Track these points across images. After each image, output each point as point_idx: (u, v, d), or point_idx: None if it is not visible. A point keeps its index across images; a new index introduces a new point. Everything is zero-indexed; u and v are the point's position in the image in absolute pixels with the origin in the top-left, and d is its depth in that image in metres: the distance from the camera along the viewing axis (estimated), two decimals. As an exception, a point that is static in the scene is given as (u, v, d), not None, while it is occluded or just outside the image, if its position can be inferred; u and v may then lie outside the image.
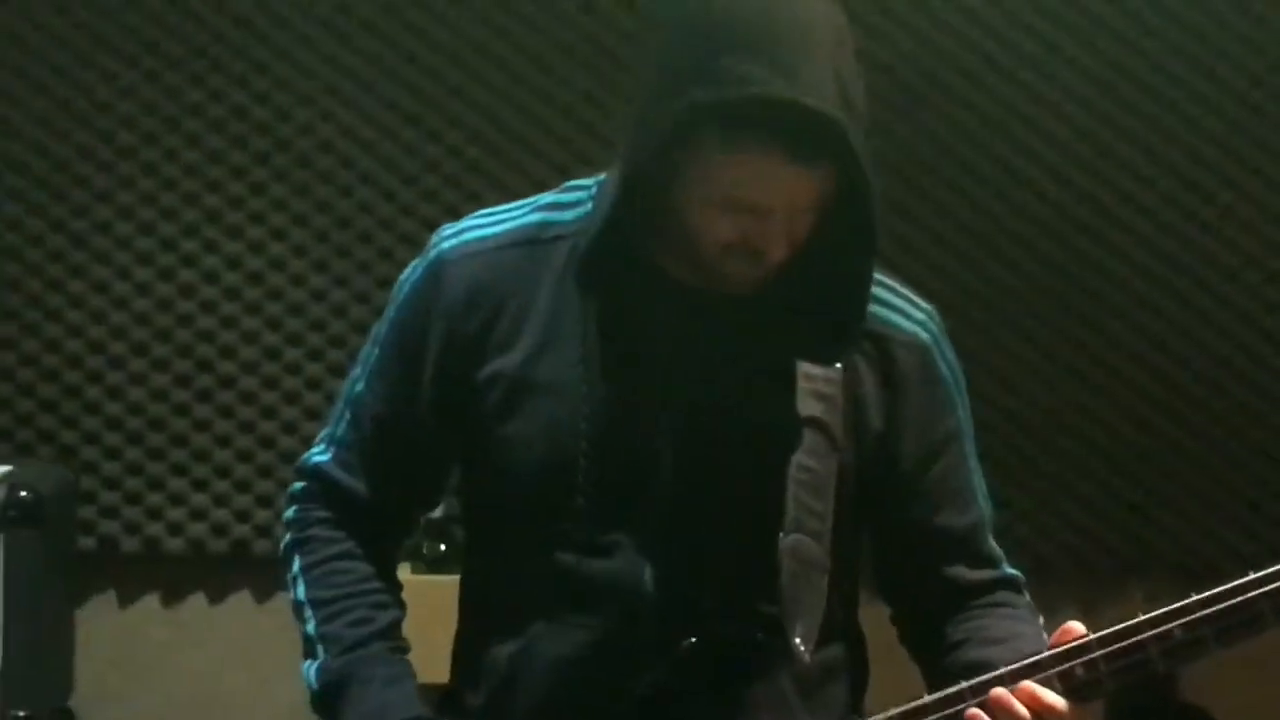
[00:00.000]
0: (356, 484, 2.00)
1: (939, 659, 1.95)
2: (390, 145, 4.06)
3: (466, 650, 2.02)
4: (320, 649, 1.95)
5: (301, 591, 2.00)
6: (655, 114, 1.76)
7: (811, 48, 1.72)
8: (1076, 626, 1.76)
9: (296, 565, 2.02)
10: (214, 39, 4.02)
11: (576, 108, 4.07)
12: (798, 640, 1.83)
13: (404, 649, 1.98)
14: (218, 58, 4.02)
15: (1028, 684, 1.75)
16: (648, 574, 1.86)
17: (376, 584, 2.00)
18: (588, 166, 3.91)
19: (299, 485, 2.05)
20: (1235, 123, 4.24)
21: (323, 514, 2.02)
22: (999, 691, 1.76)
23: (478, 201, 3.90)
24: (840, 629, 1.96)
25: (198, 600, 4.11)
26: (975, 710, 1.76)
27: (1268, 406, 4.25)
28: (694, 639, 1.85)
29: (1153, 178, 4.22)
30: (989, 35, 4.16)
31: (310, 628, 1.97)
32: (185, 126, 4.02)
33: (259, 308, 4.05)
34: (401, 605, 2.02)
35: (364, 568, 2.00)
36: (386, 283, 3.96)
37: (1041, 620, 1.99)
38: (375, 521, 2.03)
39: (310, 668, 1.96)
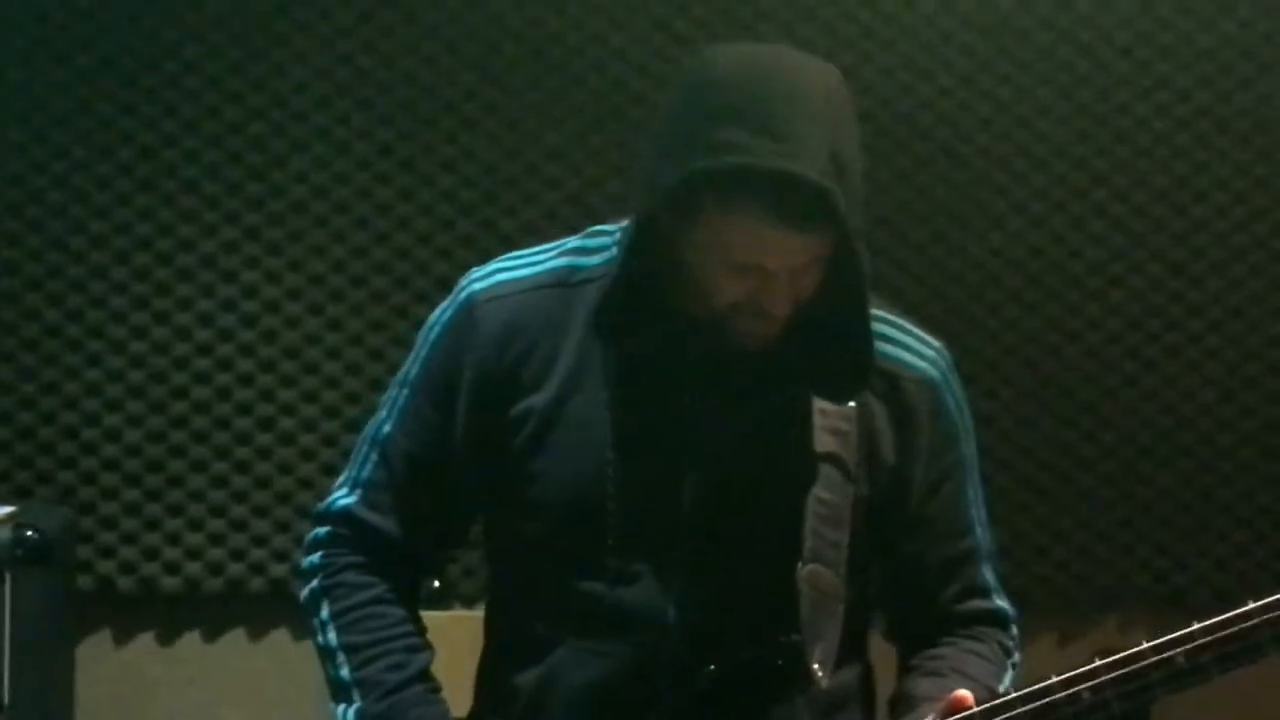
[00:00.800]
0: (387, 523, 2.03)
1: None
2: (404, 206, 4.13)
3: (491, 676, 2.08)
4: (357, 694, 1.99)
5: (333, 638, 2.02)
6: (658, 181, 1.83)
7: (804, 117, 1.77)
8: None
9: (325, 611, 2.03)
10: (228, 99, 4.09)
11: (574, 160, 4.15)
12: (815, 665, 1.91)
13: (438, 689, 2.02)
14: (234, 120, 4.09)
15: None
16: (671, 603, 1.92)
17: (409, 628, 2.04)
18: (588, 218, 3.99)
19: (323, 531, 2.07)
20: (1219, 177, 4.34)
21: (351, 559, 2.05)
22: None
23: (475, 249, 4.01)
24: (854, 656, 2.04)
25: (194, 638, 4.13)
26: None
27: (1238, 441, 4.35)
28: (714, 666, 1.92)
29: (1134, 228, 4.32)
30: (967, 85, 4.27)
31: (344, 673, 2.00)
32: (181, 173, 4.08)
33: (253, 350, 4.10)
34: (430, 647, 2.06)
35: (397, 612, 2.04)
36: (382, 325, 4.09)
37: (1016, 658, 2.05)
38: (406, 561, 2.06)
39: (348, 712, 1.99)
